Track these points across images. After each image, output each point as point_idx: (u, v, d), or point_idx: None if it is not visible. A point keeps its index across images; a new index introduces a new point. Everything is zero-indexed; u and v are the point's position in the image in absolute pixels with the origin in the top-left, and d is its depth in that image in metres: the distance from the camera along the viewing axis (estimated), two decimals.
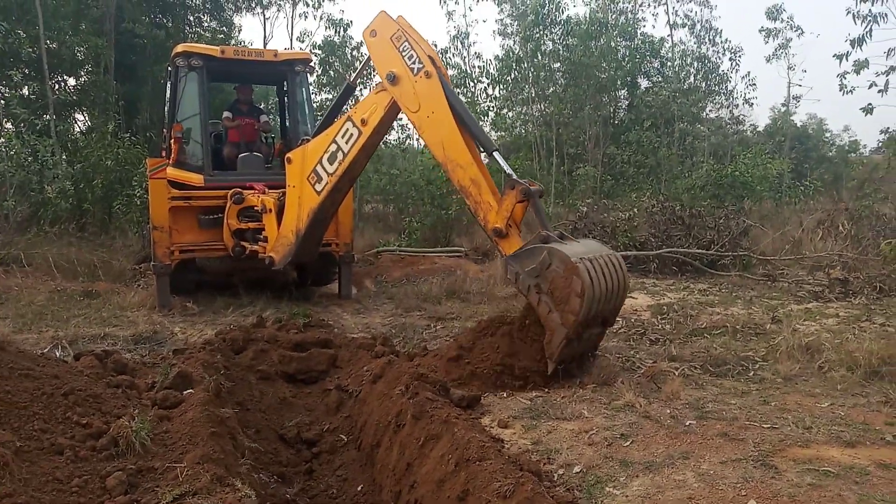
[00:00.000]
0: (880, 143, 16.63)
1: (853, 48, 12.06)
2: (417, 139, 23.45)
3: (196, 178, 8.95)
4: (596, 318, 5.35)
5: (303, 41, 21.78)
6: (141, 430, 3.75)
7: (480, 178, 5.81)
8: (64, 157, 14.09)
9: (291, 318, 7.90)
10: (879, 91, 12.27)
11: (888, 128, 15.90)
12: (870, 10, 11.73)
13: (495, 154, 5.82)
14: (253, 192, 8.62)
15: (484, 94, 20.14)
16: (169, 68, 9.80)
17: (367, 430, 5.06)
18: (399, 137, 21.86)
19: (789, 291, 9.91)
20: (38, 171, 13.32)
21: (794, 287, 10.14)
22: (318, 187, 7.28)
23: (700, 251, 11.66)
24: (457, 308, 8.99)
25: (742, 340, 7.08)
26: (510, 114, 21.31)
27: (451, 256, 12.97)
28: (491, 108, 20.42)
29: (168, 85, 10.05)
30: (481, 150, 6.02)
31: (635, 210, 13.03)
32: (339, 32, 20.37)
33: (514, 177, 5.58)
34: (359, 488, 4.69)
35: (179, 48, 9.39)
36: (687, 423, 4.75)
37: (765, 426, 4.69)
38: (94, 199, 13.04)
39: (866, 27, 11.79)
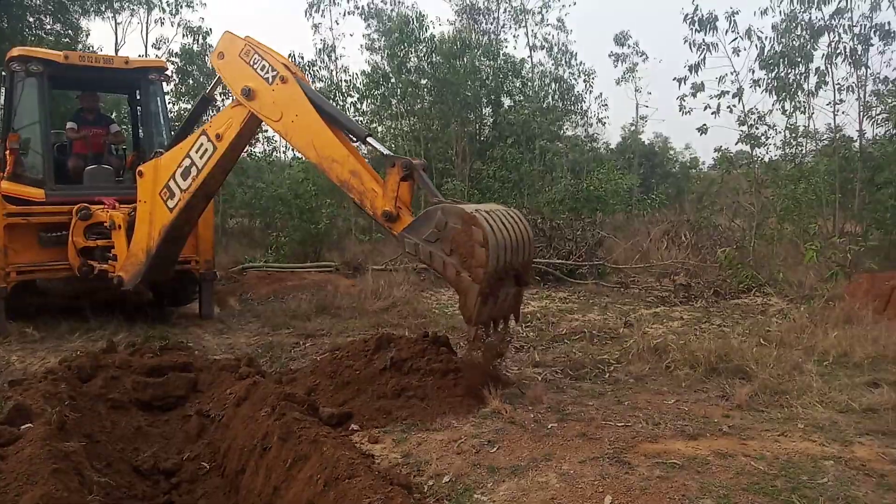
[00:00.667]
0: (715, 160, 18.41)
1: (690, 73, 13.30)
2: (284, 151, 22.95)
3: (36, 193, 8.22)
4: (508, 273, 5.16)
5: (159, 48, 20.72)
6: None
7: (360, 168, 5.63)
8: None
9: (146, 341, 7.43)
10: (713, 113, 13.61)
11: (721, 146, 17.62)
12: (703, 40, 12.99)
13: (369, 139, 5.72)
14: (102, 206, 8.04)
15: (353, 109, 20.09)
16: (3, 73, 8.96)
17: (231, 456, 4.85)
18: (265, 150, 21.31)
19: (639, 297, 10.67)
20: None
21: (643, 293, 10.93)
22: (171, 203, 6.88)
23: (560, 261, 12.29)
24: (327, 324, 8.86)
25: (598, 344, 7.53)
26: (380, 128, 21.40)
27: (321, 271, 12.78)
28: (361, 123, 20.40)
29: (2, 91, 9.18)
30: (354, 140, 5.94)
31: None
32: (198, 40, 19.59)
33: (404, 158, 5.44)
34: None
35: (15, 52, 8.62)
36: (549, 426, 4.97)
37: (619, 424, 5.00)
38: None
39: (701, 55, 13.04)
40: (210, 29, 19.80)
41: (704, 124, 13.87)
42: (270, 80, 5.90)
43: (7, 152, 8.40)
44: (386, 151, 5.54)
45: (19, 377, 5.96)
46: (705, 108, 13.69)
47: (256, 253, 14.48)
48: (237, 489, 4.57)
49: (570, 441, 4.69)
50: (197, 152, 6.62)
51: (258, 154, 20.77)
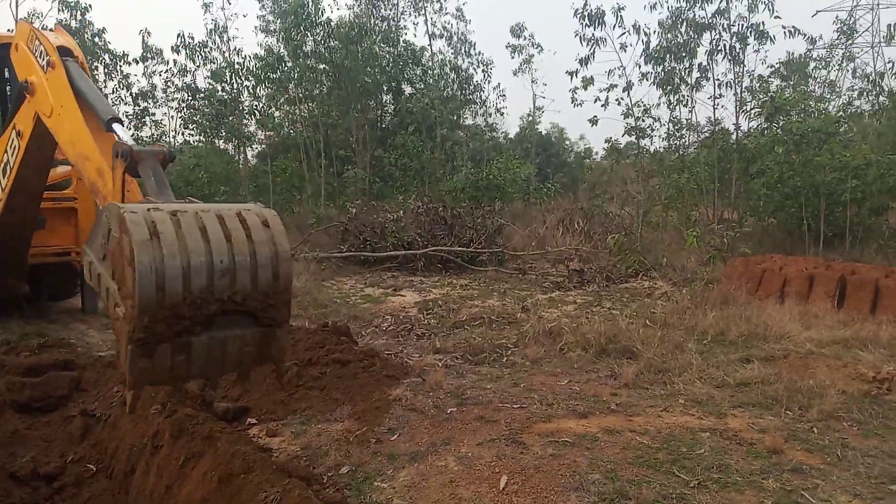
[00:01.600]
0: (605, 151, 19.24)
1: (581, 66, 13.78)
2: (174, 135, 21.91)
3: None
4: (212, 304, 3.16)
5: (31, 23, 19.13)
6: None
7: (105, 167, 4.28)
8: None
9: (22, 339, 6.92)
10: (602, 105, 14.18)
11: (610, 137, 18.41)
12: (593, 34, 13.48)
13: (114, 125, 4.27)
14: None
15: (247, 92, 19.44)
16: None
17: (119, 457, 4.63)
18: (153, 134, 20.28)
19: (536, 283, 11.03)
20: None
21: (540, 279, 11.30)
22: (2, 182, 6.11)
23: (461, 249, 12.48)
24: None
25: (497, 329, 7.73)
26: (277, 113, 20.84)
27: None
28: (256, 107, 19.78)
29: None
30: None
31: (402, 211, 13.56)
32: (76, 16, 18.29)
33: (127, 144, 3.97)
34: None
35: None
36: (448, 411, 5.07)
37: (515, 406, 5.18)
38: None
39: (591, 49, 13.53)
40: (90, 5, 18.54)
41: (595, 116, 14.46)
42: (44, 67, 5.01)
43: None
44: (126, 139, 4.11)
45: None
46: (595, 100, 14.27)
47: None
48: (127, 490, 4.38)
49: (468, 424, 4.81)
50: (10, 148, 5.89)
51: (146, 139, 19.72)
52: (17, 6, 20.28)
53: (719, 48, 13.46)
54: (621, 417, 4.98)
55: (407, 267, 12.37)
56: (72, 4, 18.25)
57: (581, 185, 24.24)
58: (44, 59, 4.86)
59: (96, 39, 18.78)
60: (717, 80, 13.71)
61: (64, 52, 4.77)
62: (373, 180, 19.37)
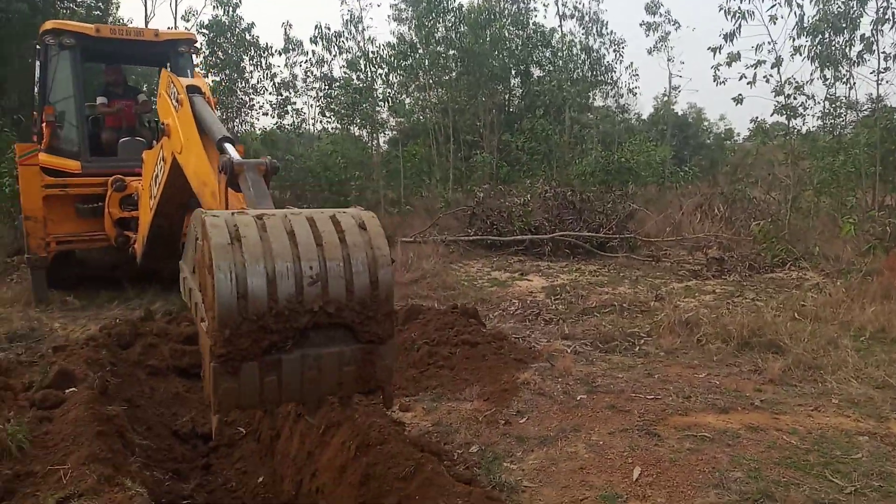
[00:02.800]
0: (750, 131, 17.99)
1: (725, 42, 12.94)
2: (313, 123, 23.03)
3: (72, 165, 8.38)
4: (302, 315, 2.80)
5: (188, 20, 20.78)
6: (17, 433, 3.51)
7: (217, 189, 4.03)
8: None
9: (182, 310, 7.58)
10: (749, 83, 13.25)
11: (756, 117, 17.19)
12: (739, 7, 12.60)
13: (225, 145, 4.03)
14: (137, 178, 8.17)
15: (380, 80, 20.03)
16: (37, 46, 9.09)
17: (266, 422, 4.97)
18: (294, 121, 21.39)
19: (671, 270, 10.57)
20: None
21: (675, 266, 10.82)
22: (151, 203, 6.17)
23: (590, 234, 12.20)
24: None
25: (628, 318, 7.49)
26: (408, 100, 21.32)
27: None
28: (388, 95, 20.33)
29: (37, 65, 9.33)
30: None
31: (529, 196, 13.44)
32: (228, 12, 19.60)
33: (229, 157, 3.76)
34: (259, 480, 4.60)
35: (48, 25, 8.73)
36: (578, 398, 4.99)
37: (649, 397, 5.00)
38: None
39: (736, 23, 12.67)
40: (240, 0, 19.81)
41: (740, 94, 13.53)
42: (176, 107, 4.98)
43: (44, 125, 8.56)
44: (234, 155, 3.85)
45: (62, 343, 6.14)
46: (740, 77, 13.34)
47: None
48: (272, 454, 4.69)
49: (599, 413, 4.71)
50: (159, 164, 5.79)
51: (287, 126, 20.87)
52: (176, 5, 22.06)
53: (887, 17, 12.14)
54: (766, 415, 4.68)
55: (534, 251, 12.28)
56: (224, 2, 19.57)
57: (721, 169, 22.88)
58: (175, 99, 4.95)
59: (245, 34, 20.04)
60: (883, 52, 12.39)
61: (192, 89, 4.79)
62: (500, 164, 19.35)
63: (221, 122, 4.46)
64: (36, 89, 9.51)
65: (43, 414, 4.04)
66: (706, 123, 33.38)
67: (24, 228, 8.04)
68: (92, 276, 9.12)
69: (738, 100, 13.52)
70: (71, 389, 4.41)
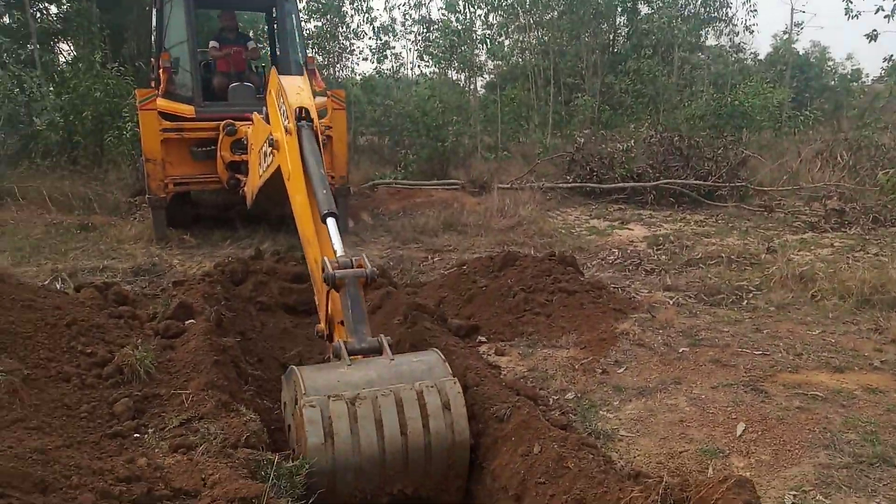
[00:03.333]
0: (883, 72, 16.35)
1: None
2: (411, 67, 22.96)
3: (187, 110, 8.79)
4: (383, 497, 3.27)
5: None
6: (145, 359, 3.82)
7: (320, 259, 4.11)
8: (50, 88, 13.78)
9: (289, 250, 7.93)
10: (886, 16, 12.01)
11: (892, 55, 15.61)
12: None
13: (328, 220, 4.12)
14: (246, 123, 8.48)
15: (479, 21, 19.61)
16: None
17: None
18: (393, 66, 21.42)
19: (785, 222, 9.95)
20: (25, 103, 13.05)
21: (790, 218, 10.18)
22: (260, 170, 6.29)
23: (697, 182, 11.63)
24: (454, 240, 9.02)
25: (737, 270, 7.15)
26: (507, 42, 20.80)
27: (448, 189, 12.91)
28: (487, 37, 19.91)
29: (153, 12, 9.74)
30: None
31: (633, 141, 12.92)
32: None
33: (338, 254, 3.86)
34: None
35: None
36: (680, 350, 4.86)
37: (756, 353, 4.79)
38: (84, 132, 12.82)
39: None
40: None
41: (874, 30, 12.30)
42: (284, 129, 4.87)
43: (160, 71, 9.00)
44: (335, 240, 3.97)
45: (181, 278, 6.58)
46: (877, 10, 12.10)
47: (386, 170, 14.81)
48: None
49: (702, 366, 4.57)
50: (266, 148, 5.81)
51: (386, 71, 20.94)
52: None
53: None
54: (887, 376, 4.38)
55: (636, 200, 11.87)
56: None
57: (846, 113, 21.05)
58: (285, 121, 4.86)
59: None
60: None
61: (301, 115, 4.74)
62: (602, 108, 18.66)
63: (320, 158, 4.53)
64: (153, 36, 9.98)
65: (166, 342, 4.37)
66: (830, 63, 30.64)
67: (145, 170, 8.56)
68: (206, 217, 9.67)
69: (872, 36, 12.33)
70: (190, 321, 4.74)
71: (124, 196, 10.81)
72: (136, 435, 3.24)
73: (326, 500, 3.11)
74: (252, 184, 7.00)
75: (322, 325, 4.07)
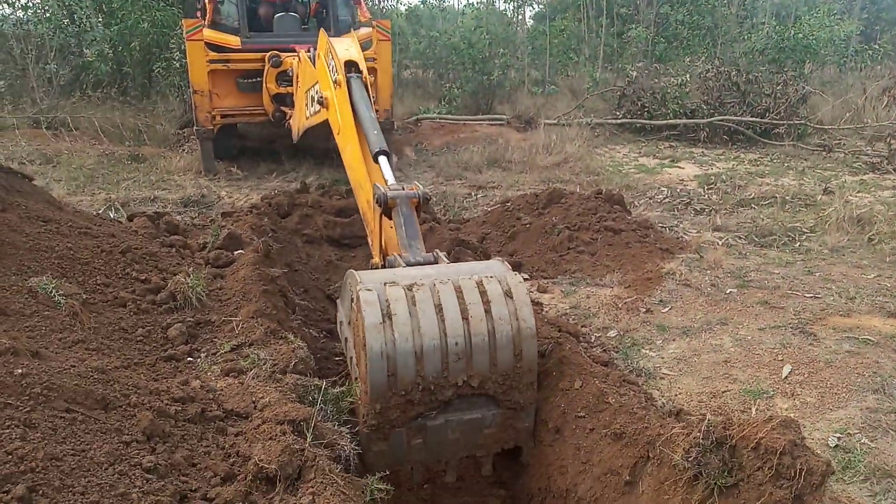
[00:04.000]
0: None
1: None
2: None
3: (233, 40, 8.75)
4: (447, 388, 3.08)
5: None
6: (197, 287, 3.93)
7: (372, 200, 4.03)
8: (99, 19, 13.86)
9: (333, 184, 7.97)
10: None
11: None
12: None
13: (380, 159, 4.08)
14: (291, 54, 8.41)
15: None
16: None
17: None
18: None
19: (845, 162, 9.54)
20: (76, 34, 13.18)
21: (850, 158, 9.74)
22: (307, 112, 6.40)
23: (754, 119, 11.18)
24: (498, 177, 8.93)
25: (790, 211, 6.93)
26: None
27: (493, 124, 12.70)
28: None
29: None
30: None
31: (688, 75, 12.40)
32: None
33: (390, 183, 3.82)
34: None
35: None
36: (727, 292, 4.78)
37: (807, 295, 4.68)
38: (133, 63, 12.94)
39: None
40: None
41: None
42: (333, 84, 4.95)
43: (207, 1, 8.94)
44: (388, 175, 3.93)
45: (229, 210, 6.71)
46: None
47: (430, 104, 14.62)
48: None
49: (749, 308, 4.50)
50: (314, 93, 5.87)
51: (431, 2, 20.39)
52: None
53: None
54: None
55: (687, 137, 11.49)
56: None
57: None
58: (334, 75, 4.93)
59: None
60: None
61: (350, 66, 4.80)
62: (656, 41, 17.88)
63: (373, 108, 4.54)
64: None
65: (216, 271, 4.49)
66: None
67: (193, 102, 8.62)
68: (252, 149, 9.75)
69: None
70: (238, 251, 4.84)
71: (172, 128, 10.96)
72: (189, 359, 3.37)
73: (390, 398, 2.98)
74: (299, 122, 7.03)
75: (377, 259, 4.00)
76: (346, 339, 3.39)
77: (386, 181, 3.86)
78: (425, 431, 3.11)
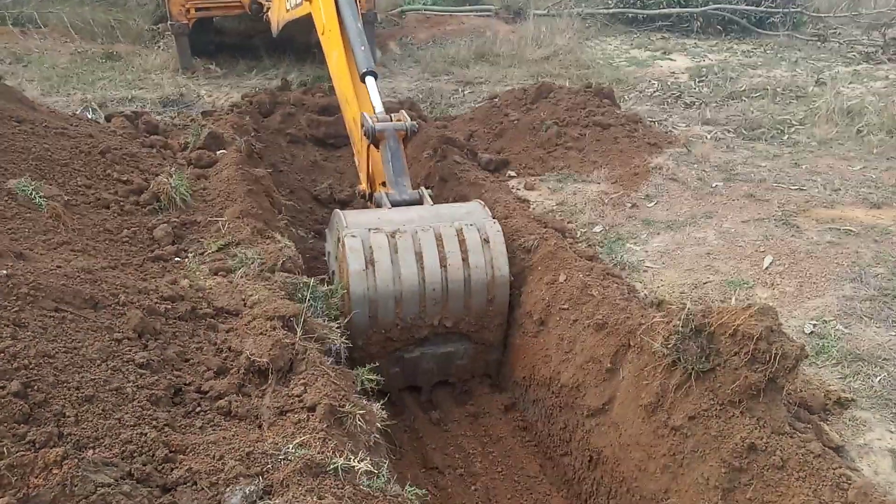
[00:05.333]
0: None
1: None
2: None
3: None
4: (423, 328, 3.43)
5: None
6: (180, 187, 3.89)
7: (358, 117, 4.08)
8: None
9: (315, 81, 7.74)
10: None
11: None
12: None
13: (367, 79, 4.04)
14: None
15: None
16: None
17: None
18: None
19: (839, 52, 9.32)
20: None
21: (844, 48, 9.51)
22: (287, 5, 6.03)
23: (748, 8, 10.79)
24: (486, 72, 8.68)
25: (781, 104, 6.83)
26: None
27: (480, 16, 12.21)
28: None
29: None
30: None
31: None
32: None
33: (378, 110, 3.87)
34: None
35: None
36: (713, 185, 4.79)
37: (792, 188, 4.70)
38: None
39: None
40: None
41: None
42: None
43: None
44: (374, 98, 3.95)
45: (209, 109, 6.53)
46: None
47: None
48: None
49: (734, 201, 4.52)
50: None
51: None
52: None
53: None
54: None
55: (681, 28, 11.12)
56: None
57: None
58: None
59: None
60: None
61: None
62: None
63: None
64: None
65: (199, 171, 4.43)
66: None
67: None
68: (230, 45, 9.37)
69: None
70: (221, 151, 4.76)
71: (146, 23, 10.45)
72: (176, 259, 3.38)
73: (370, 336, 3.30)
74: (278, 15, 6.70)
75: (364, 186, 4.08)
76: (332, 272, 3.62)
77: (374, 108, 3.89)
78: (402, 362, 3.48)
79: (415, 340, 3.43)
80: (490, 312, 3.49)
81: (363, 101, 4.06)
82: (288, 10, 6.09)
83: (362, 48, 4.10)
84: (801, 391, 2.75)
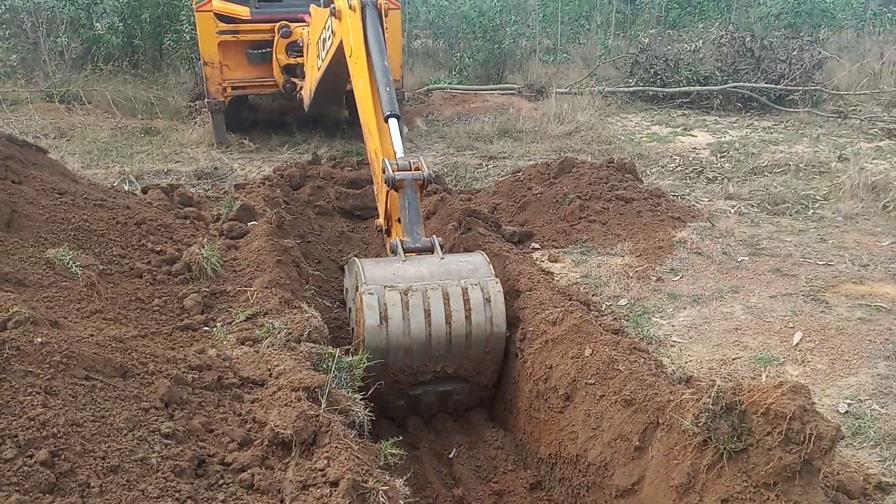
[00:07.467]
0: None
1: None
2: None
3: (242, 11, 8.68)
4: (427, 374, 3.82)
5: None
6: (211, 257, 3.98)
7: (380, 152, 4.36)
8: None
9: (345, 156, 7.97)
10: None
11: None
12: None
13: (390, 121, 4.26)
14: (302, 24, 8.35)
15: None
16: None
17: None
18: None
19: (860, 129, 9.39)
20: (86, 6, 13.12)
21: (866, 125, 9.59)
22: (319, 63, 6.29)
23: (768, 86, 11.00)
24: (509, 147, 8.88)
25: (804, 179, 6.86)
26: None
27: (504, 94, 12.58)
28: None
29: None
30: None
31: (701, 42, 12.18)
32: None
33: (398, 155, 4.11)
34: None
35: None
36: (739, 260, 4.77)
37: (819, 263, 4.67)
38: (143, 35, 12.89)
39: None
40: None
41: None
42: (349, 5, 4.75)
43: None
44: (396, 141, 4.19)
45: (241, 182, 6.74)
46: None
47: (440, 74, 14.47)
48: None
49: (761, 276, 4.49)
50: (327, 30, 5.75)
51: None
52: None
53: None
54: None
55: (701, 105, 11.34)
56: None
57: None
58: (350, 1, 4.77)
59: None
60: None
61: None
62: (669, 6, 17.56)
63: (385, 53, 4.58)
64: None
65: (230, 242, 4.53)
66: None
67: (204, 74, 8.61)
68: (264, 121, 9.75)
69: None
70: (252, 223, 4.88)
71: (184, 100, 10.95)
72: (205, 328, 3.43)
73: (381, 378, 3.59)
74: (310, 82, 7.02)
75: (381, 220, 4.38)
76: (350, 310, 3.98)
77: (395, 152, 4.17)
78: (406, 397, 3.89)
79: (419, 382, 3.81)
80: (487, 361, 3.87)
81: (385, 143, 4.34)
82: (318, 67, 6.34)
83: (387, 89, 4.37)
84: (839, 474, 2.66)
